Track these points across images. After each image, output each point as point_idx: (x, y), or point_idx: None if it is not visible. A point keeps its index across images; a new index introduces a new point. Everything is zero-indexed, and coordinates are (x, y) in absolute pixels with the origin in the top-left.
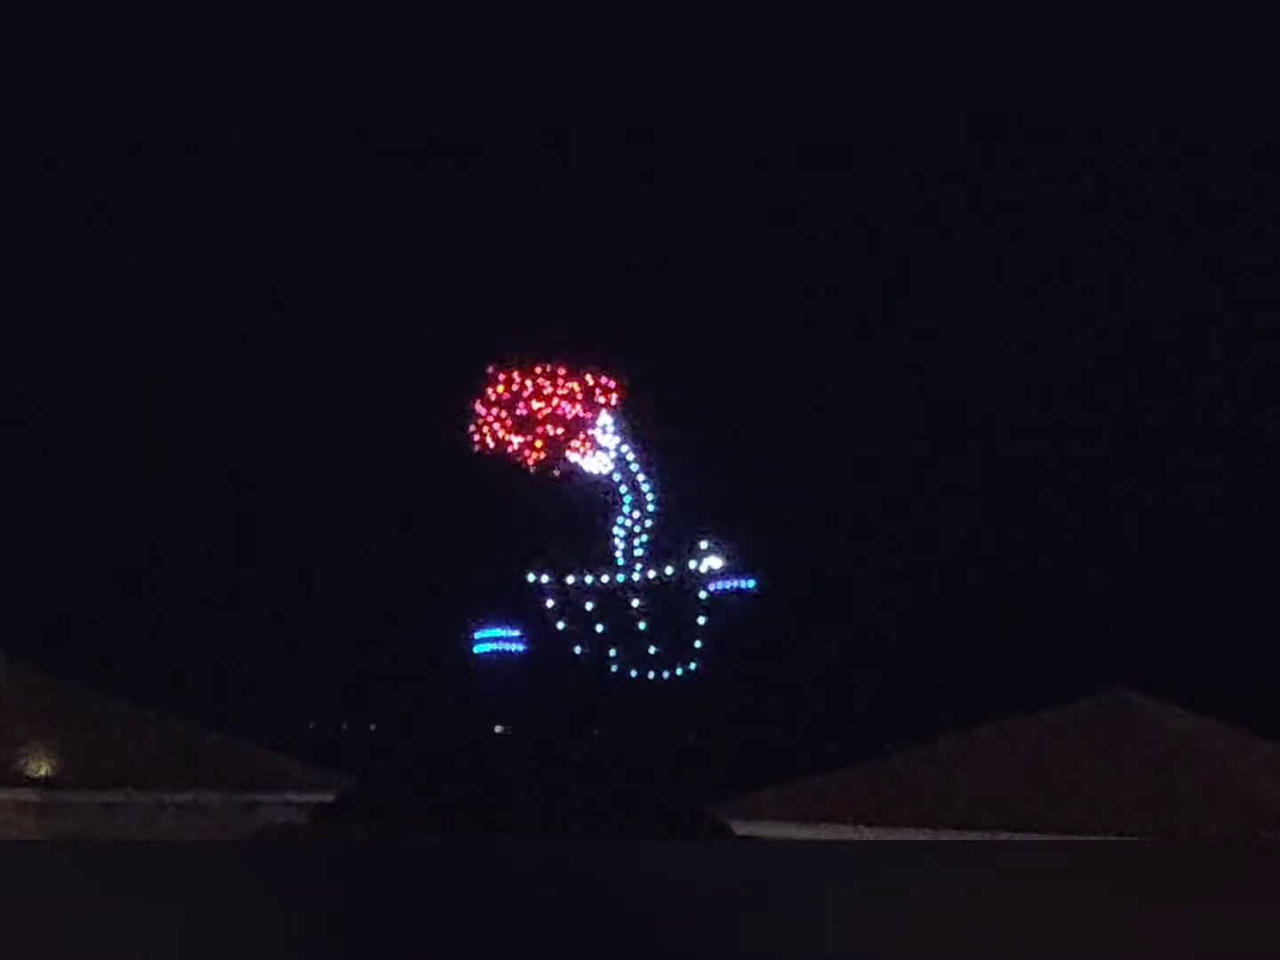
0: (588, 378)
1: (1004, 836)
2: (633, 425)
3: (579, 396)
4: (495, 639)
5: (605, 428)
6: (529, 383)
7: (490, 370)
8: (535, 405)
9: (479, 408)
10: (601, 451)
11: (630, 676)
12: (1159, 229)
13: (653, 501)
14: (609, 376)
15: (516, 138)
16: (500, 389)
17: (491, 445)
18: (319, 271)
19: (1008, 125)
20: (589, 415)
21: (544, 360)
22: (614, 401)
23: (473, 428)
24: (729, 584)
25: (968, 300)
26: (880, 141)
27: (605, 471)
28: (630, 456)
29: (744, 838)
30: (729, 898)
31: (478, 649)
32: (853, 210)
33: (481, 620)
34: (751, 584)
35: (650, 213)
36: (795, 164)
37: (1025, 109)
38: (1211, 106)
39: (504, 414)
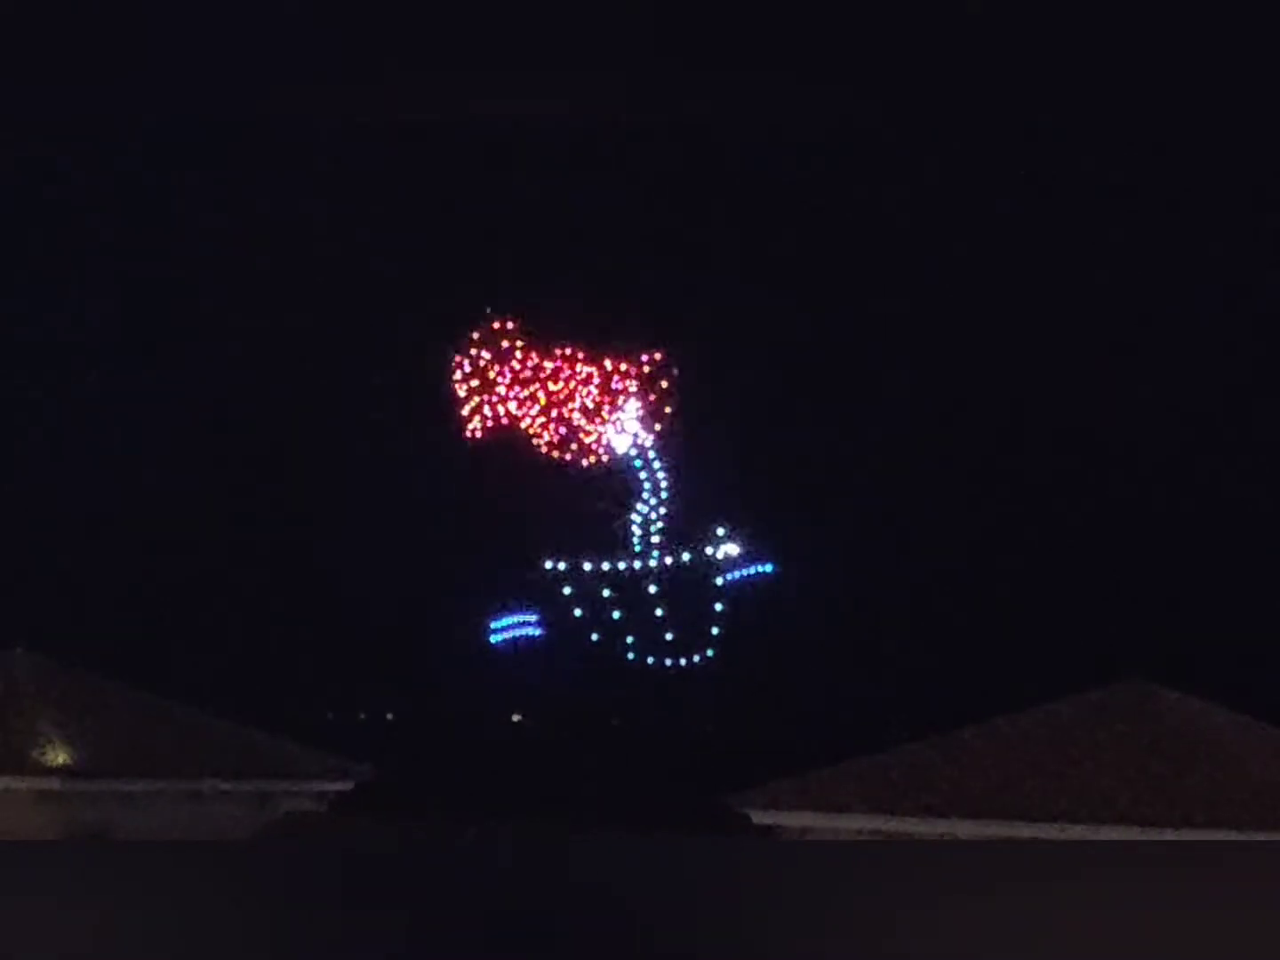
0: (606, 363)
1: (1020, 826)
2: (650, 411)
3: (597, 381)
4: (511, 627)
5: (623, 413)
6: (547, 364)
7: (506, 345)
8: (553, 387)
9: (497, 385)
10: (619, 436)
11: (647, 664)
12: (1167, 226)
13: (668, 488)
14: (628, 363)
15: (533, 127)
16: (516, 366)
17: (505, 424)
18: (332, 253)
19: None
20: (606, 400)
21: (562, 343)
22: (632, 388)
23: (486, 406)
24: (746, 572)
25: (989, 287)
26: (891, 137)
27: (623, 455)
28: (648, 442)
29: (761, 828)
30: (735, 897)
31: (494, 637)
32: (874, 203)
33: (498, 607)
34: (769, 568)
35: (673, 202)
36: (812, 159)
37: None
38: (1211, 108)
39: (520, 391)
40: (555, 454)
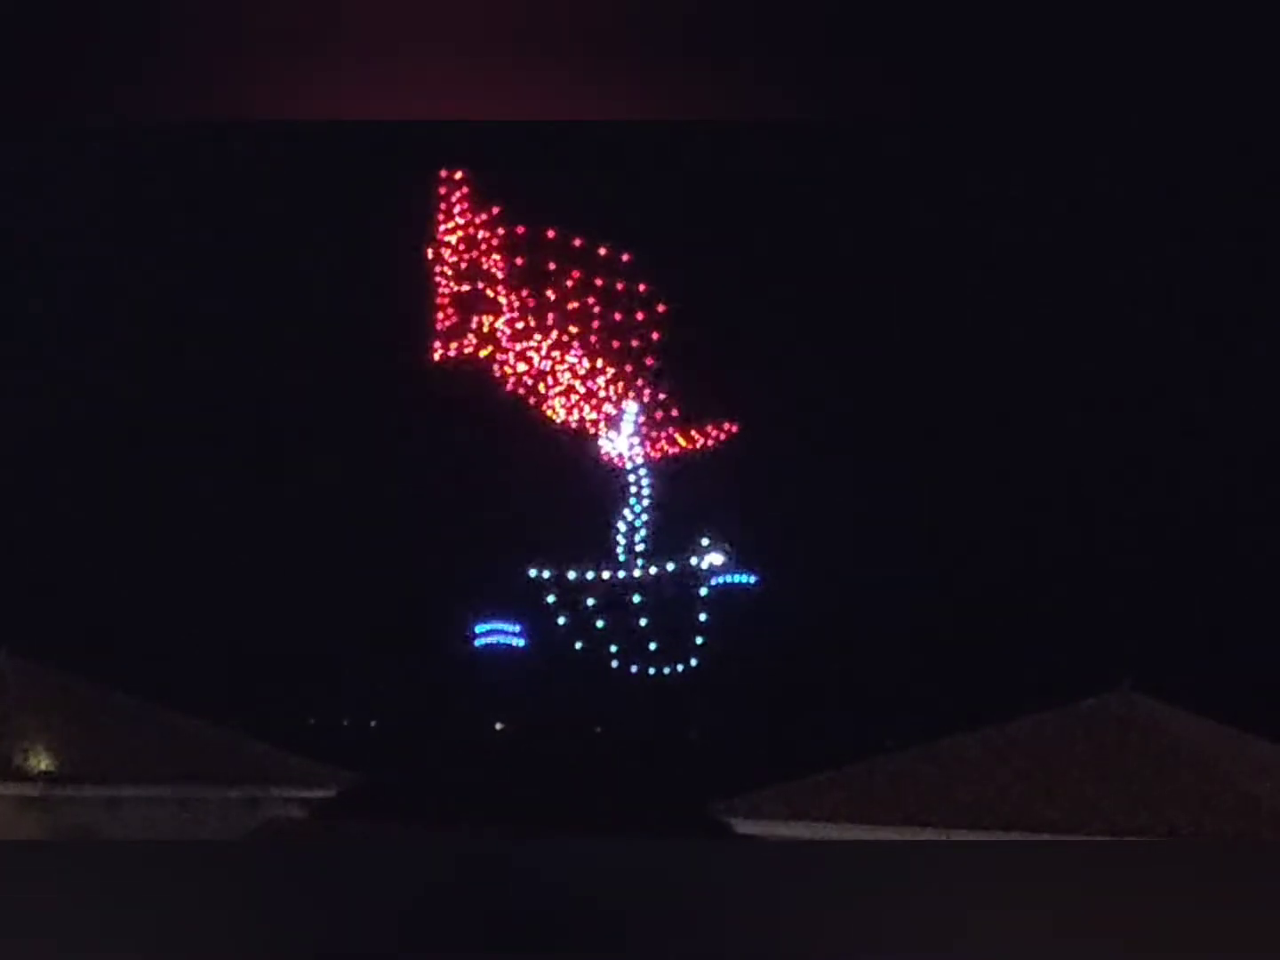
0: (608, 368)
1: (1007, 836)
2: (645, 423)
3: (599, 384)
4: (494, 633)
5: (620, 419)
6: (557, 352)
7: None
8: (560, 371)
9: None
10: (613, 441)
11: (631, 672)
12: (1175, 229)
13: (652, 496)
14: (623, 376)
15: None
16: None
17: (477, 354)
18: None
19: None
20: (605, 407)
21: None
22: (632, 396)
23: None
24: (729, 578)
25: (983, 293)
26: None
27: (616, 456)
28: (638, 451)
29: (744, 836)
30: (726, 897)
31: (478, 644)
32: (875, 211)
33: (482, 615)
34: (753, 579)
35: (672, 204)
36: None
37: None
38: (1211, 110)
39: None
40: (523, 398)
